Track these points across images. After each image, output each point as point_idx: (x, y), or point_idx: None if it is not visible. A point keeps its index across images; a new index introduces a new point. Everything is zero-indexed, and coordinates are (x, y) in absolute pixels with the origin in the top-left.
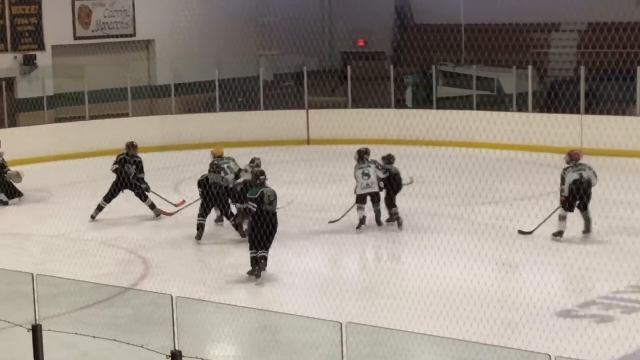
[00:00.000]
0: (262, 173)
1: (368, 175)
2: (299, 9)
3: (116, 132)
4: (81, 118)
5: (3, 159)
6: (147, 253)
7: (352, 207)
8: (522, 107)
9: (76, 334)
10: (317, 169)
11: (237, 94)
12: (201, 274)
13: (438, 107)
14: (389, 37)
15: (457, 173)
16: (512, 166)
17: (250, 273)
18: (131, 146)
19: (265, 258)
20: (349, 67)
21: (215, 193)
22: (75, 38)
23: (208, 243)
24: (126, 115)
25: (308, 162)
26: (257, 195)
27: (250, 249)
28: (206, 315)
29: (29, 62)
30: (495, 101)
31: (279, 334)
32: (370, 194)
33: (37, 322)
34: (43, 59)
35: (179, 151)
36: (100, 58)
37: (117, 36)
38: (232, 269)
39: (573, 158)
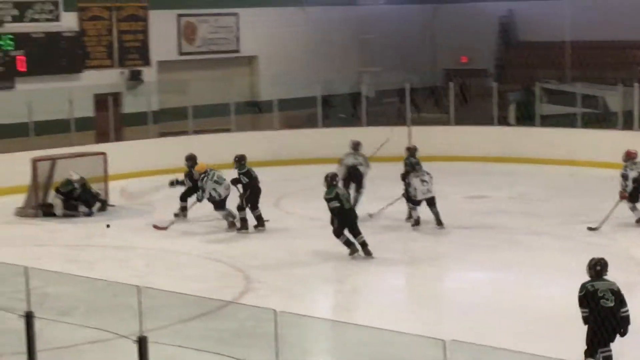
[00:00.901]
0: (336, 175)
1: (426, 181)
2: (401, 26)
3: (219, 147)
4: (184, 133)
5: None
6: (248, 267)
7: (391, 202)
8: (627, 126)
9: (180, 346)
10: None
11: (339, 111)
12: (301, 289)
13: (541, 125)
14: (492, 54)
15: (559, 191)
16: (615, 185)
17: (352, 253)
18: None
19: (365, 242)
20: (450, 84)
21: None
22: (181, 54)
23: (306, 257)
24: (229, 130)
25: None
26: (333, 195)
27: (347, 245)
28: (307, 330)
29: (135, 78)
30: (601, 119)
31: (379, 350)
32: (427, 199)
33: (143, 334)
34: (149, 74)
35: (281, 167)
36: (205, 74)
37: (221, 52)
38: (332, 284)
39: (631, 157)
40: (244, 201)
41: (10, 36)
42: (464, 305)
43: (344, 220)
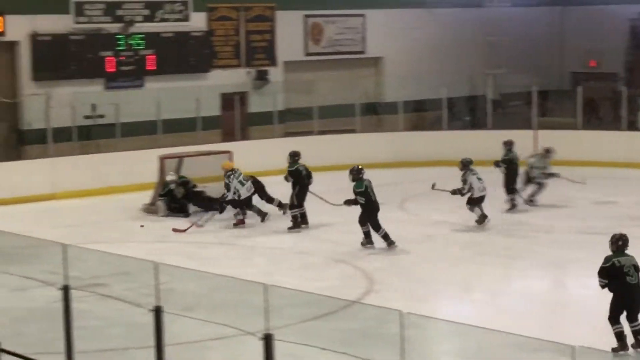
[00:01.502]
0: (362, 169)
1: (482, 179)
2: (528, 28)
3: (343, 147)
4: (309, 133)
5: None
6: (371, 268)
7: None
8: None
9: (306, 345)
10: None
11: (464, 113)
12: (424, 291)
13: None
14: (621, 57)
15: None
16: None
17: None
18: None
19: (387, 235)
20: (579, 88)
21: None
22: (307, 54)
23: (430, 260)
24: (353, 131)
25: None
26: (363, 189)
27: (365, 235)
28: (432, 332)
29: (262, 78)
30: None
31: (506, 354)
32: (483, 196)
33: (269, 332)
34: (275, 74)
35: (405, 168)
36: (330, 74)
37: (347, 53)
38: (456, 287)
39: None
40: (294, 198)
41: (141, 35)
42: (592, 312)
43: (370, 212)
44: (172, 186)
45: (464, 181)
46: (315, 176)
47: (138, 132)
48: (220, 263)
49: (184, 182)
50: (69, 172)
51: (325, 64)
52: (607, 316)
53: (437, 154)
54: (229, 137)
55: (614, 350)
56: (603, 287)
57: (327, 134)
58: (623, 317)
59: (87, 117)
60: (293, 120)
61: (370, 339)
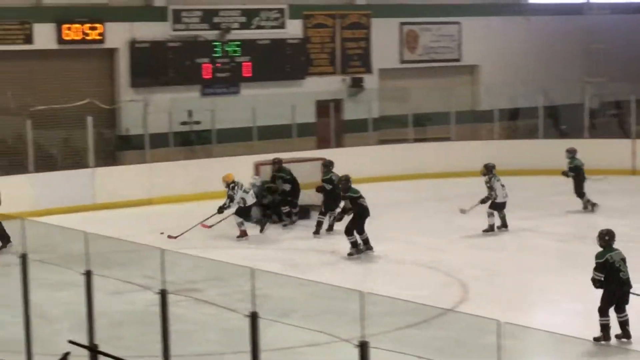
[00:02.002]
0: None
1: (504, 185)
2: (629, 36)
3: (438, 155)
4: (404, 141)
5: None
6: (466, 277)
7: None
8: None
9: (402, 353)
10: None
11: (561, 122)
12: (519, 300)
13: None
14: None
15: None
16: None
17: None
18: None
19: (367, 239)
20: None
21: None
22: (402, 62)
23: (525, 269)
24: (448, 139)
25: (632, 193)
26: (359, 194)
27: (353, 245)
28: (530, 342)
29: (357, 85)
30: None
31: None
32: (505, 202)
33: (364, 339)
34: (370, 81)
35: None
36: (425, 82)
37: (442, 60)
38: (552, 296)
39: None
40: (323, 206)
41: (237, 43)
42: None
43: (363, 218)
44: (255, 190)
45: (490, 187)
46: (410, 184)
47: (233, 139)
48: (315, 270)
49: (268, 188)
50: (165, 177)
51: (421, 71)
52: (598, 307)
53: (532, 163)
54: (323, 144)
55: (595, 339)
56: (599, 282)
57: (422, 141)
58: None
59: (184, 123)
60: (388, 127)
61: (466, 348)
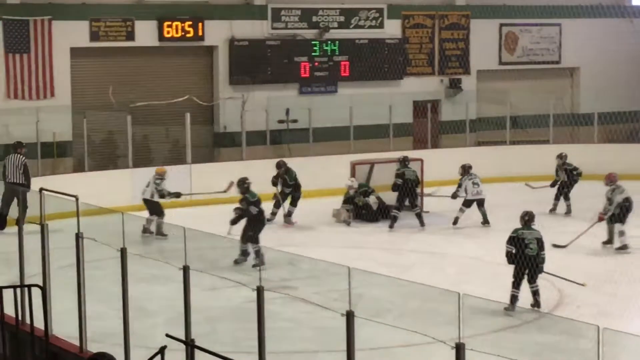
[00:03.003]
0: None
1: (477, 184)
2: None
3: (535, 158)
4: (501, 143)
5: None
6: (561, 281)
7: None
8: None
9: (498, 356)
10: None
11: None
12: (616, 307)
13: None
14: None
15: None
16: None
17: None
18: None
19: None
20: None
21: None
22: (500, 63)
23: (623, 276)
24: (547, 142)
25: None
26: (257, 199)
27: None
28: (627, 349)
29: (455, 86)
30: None
31: None
32: (478, 200)
33: (461, 341)
34: (468, 83)
35: (598, 181)
36: (524, 84)
37: (542, 62)
38: None
39: (613, 180)
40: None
41: (335, 42)
42: None
43: (259, 227)
44: (351, 192)
45: (460, 185)
46: (505, 187)
47: (330, 138)
48: (410, 270)
49: (364, 192)
50: (261, 175)
51: (519, 73)
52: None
53: (631, 168)
54: (420, 144)
55: (505, 309)
56: (510, 255)
57: (520, 144)
58: None
59: (281, 121)
60: (485, 129)
61: (563, 353)
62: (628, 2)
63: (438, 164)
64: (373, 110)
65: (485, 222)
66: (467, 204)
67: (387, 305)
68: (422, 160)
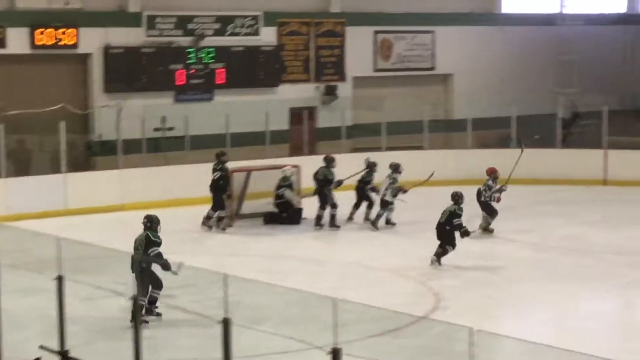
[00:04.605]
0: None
1: (391, 185)
2: (601, 47)
3: (411, 164)
4: (377, 149)
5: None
6: (439, 285)
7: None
8: None
9: None
10: (614, 209)
11: (535, 132)
12: (492, 309)
13: None
14: None
15: None
16: None
17: None
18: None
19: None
20: None
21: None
22: (375, 70)
23: (499, 279)
24: (421, 148)
25: (603, 203)
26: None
27: None
28: (501, 350)
29: (330, 93)
30: None
31: None
32: (385, 201)
33: (337, 346)
34: (343, 89)
35: (473, 186)
36: (399, 90)
37: (416, 69)
38: (523, 305)
39: (493, 173)
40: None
41: (211, 49)
42: None
43: None
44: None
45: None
46: None
47: (207, 145)
48: (290, 277)
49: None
50: (137, 183)
51: (394, 80)
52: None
53: (505, 172)
54: (297, 151)
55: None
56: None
57: (395, 150)
58: None
59: (157, 129)
60: (361, 135)
61: (437, 356)
62: (498, 11)
63: (314, 170)
64: (249, 118)
65: (387, 223)
66: (385, 204)
67: (267, 313)
68: (298, 167)
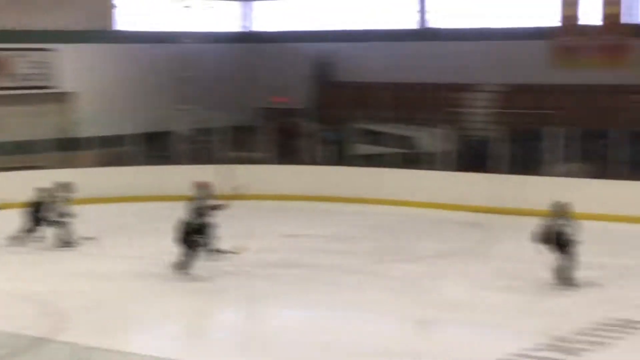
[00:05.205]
0: None
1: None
2: (219, 65)
3: (29, 184)
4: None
5: None
6: (61, 305)
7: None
8: (438, 166)
9: None
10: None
11: (160, 148)
12: (116, 326)
13: (352, 164)
14: (308, 94)
15: (373, 230)
16: (430, 225)
17: None
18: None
19: None
20: (270, 123)
21: None
22: None
23: (124, 297)
24: (43, 167)
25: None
26: None
27: None
28: None
29: None
30: (414, 159)
31: None
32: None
33: None
34: None
35: (99, 204)
36: (19, 109)
37: (38, 87)
38: (150, 321)
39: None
40: None
41: None
42: (299, 343)
43: None
44: None
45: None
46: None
47: None
48: None
49: None
50: None
51: (15, 98)
52: None
53: (133, 190)
54: None
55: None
56: None
57: (13, 170)
58: None
59: None
60: None
61: None
62: (113, 28)
63: None
64: None
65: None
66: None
67: None
68: None
